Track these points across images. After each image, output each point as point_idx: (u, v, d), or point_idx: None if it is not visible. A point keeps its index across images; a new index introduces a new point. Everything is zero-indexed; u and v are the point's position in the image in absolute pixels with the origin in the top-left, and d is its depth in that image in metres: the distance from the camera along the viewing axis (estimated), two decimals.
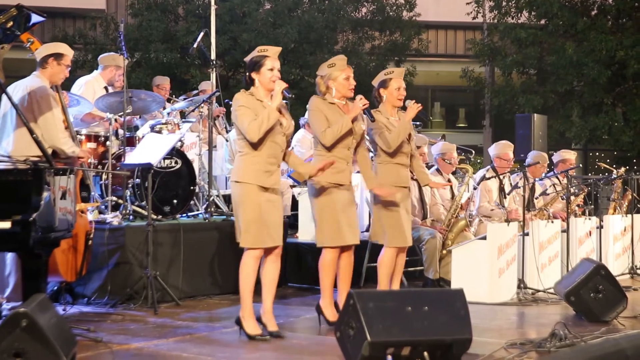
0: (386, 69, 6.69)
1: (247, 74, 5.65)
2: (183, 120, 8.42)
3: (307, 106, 6.14)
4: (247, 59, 5.69)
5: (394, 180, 6.36)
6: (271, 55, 5.60)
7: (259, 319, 5.62)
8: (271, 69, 5.56)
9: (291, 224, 8.85)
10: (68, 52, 6.48)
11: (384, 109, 6.48)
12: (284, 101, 6.00)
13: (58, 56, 6.36)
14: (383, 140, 6.33)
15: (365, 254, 8.03)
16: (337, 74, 6.00)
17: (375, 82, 6.59)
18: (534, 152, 9.99)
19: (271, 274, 5.65)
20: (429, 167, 8.76)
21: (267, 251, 5.59)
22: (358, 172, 9.01)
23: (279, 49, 5.74)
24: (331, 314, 6.03)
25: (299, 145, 9.15)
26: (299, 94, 16.61)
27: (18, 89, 6.26)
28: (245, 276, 5.53)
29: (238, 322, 5.60)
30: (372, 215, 6.57)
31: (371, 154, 6.74)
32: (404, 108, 6.47)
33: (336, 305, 6.09)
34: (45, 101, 6.19)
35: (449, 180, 8.55)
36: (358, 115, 6.03)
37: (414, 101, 6.40)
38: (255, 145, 5.46)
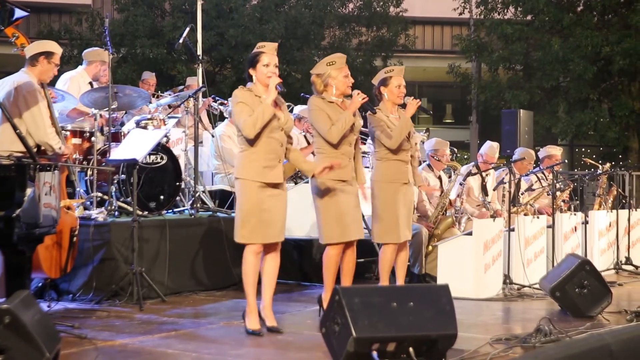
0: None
1: (247, 70, 5.66)
2: (169, 115, 8.38)
3: (307, 106, 6.15)
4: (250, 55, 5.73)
5: (394, 176, 6.44)
6: (267, 51, 5.60)
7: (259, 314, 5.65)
8: (266, 65, 5.55)
9: None
10: (58, 50, 6.48)
11: (384, 106, 6.53)
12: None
13: (49, 54, 6.35)
14: (385, 138, 6.38)
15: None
16: (336, 72, 6.02)
17: (375, 81, 6.66)
18: (521, 148, 10.02)
19: (270, 270, 5.68)
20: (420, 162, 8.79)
21: (267, 247, 5.61)
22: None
23: (276, 44, 5.74)
24: None
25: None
26: (286, 90, 16.61)
27: (5, 85, 6.24)
28: (246, 272, 5.56)
29: (244, 316, 5.65)
30: (372, 211, 6.62)
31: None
32: (403, 106, 6.51)
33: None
34: (32, 96, 6.16)
35: (439, 177, 8.58)
36: (357, 112, 6.08)
37: (412, 98, 6.47)
38: (252, 142, 5.47)
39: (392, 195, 6.43)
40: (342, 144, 5.97)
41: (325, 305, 6.06)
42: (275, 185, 5.56)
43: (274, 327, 5.63)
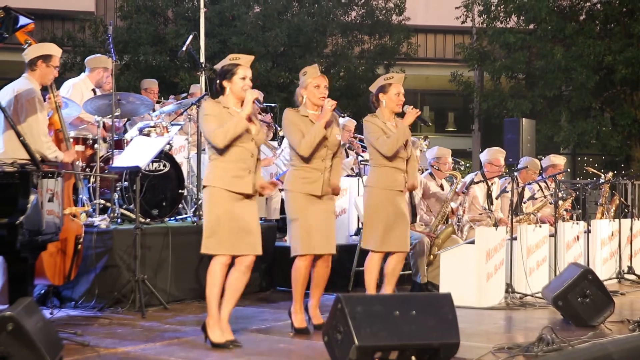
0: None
1: (218, 81, 5.57)
2: (171, 123, 8.39)
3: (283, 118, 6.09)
4: (218, 66, 5.61)
5: (389, 184, 6.39)
6: (243, 64, 5.54)
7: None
8: (243, 78, 5.49)
9: (280, 227, 8.84)
10: (56, 52, 6.40)
11: (382, 113, 6.49)
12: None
13: (46, 58, 6.30)
14: (380, 145, 6.34)
15: (354, 258, 8.03)
16: (308, 81, 5.98)
17: (373, 88, 6.62)
18: (526, 158, 10.00)
19: (235, 284, 5.46)
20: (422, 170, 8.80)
21: (238, 259, 5.46)
22: (348, 175, 9.10)
23: (252, 57, 5.66)
24: (298, 321, 5.98)
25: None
26: (288, 98, 16.60)
27: (6, 92, 6.23)
28: (211, 285, 5.41)
29: (204, 328, 5.49)
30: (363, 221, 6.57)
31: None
32: (401, 115, 6.48)
33: (306, 309, 6.09)
34: (31, 105, 6.12)
35: (441, 185, 8.57)
36: (333, 125, 6.00)
37: (412, 107, 6.43)
38: (221, 151, 5.40)
39: (383, 202, 6.37)
40: (314, 159, 5.92)
41: (292, 318, 6.02)
42: (246, 197, 5.45)
43: (232, 340, 5.41)
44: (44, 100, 6.38)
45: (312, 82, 5.97)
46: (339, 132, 6.09)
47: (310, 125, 5.91)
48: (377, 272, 6.47)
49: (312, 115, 5.98)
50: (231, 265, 5.46)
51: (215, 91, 5.62)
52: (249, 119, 5.47)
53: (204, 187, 5.49)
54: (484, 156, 9.23)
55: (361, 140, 9.42)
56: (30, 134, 6.08)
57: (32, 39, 6.37)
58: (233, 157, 5.41)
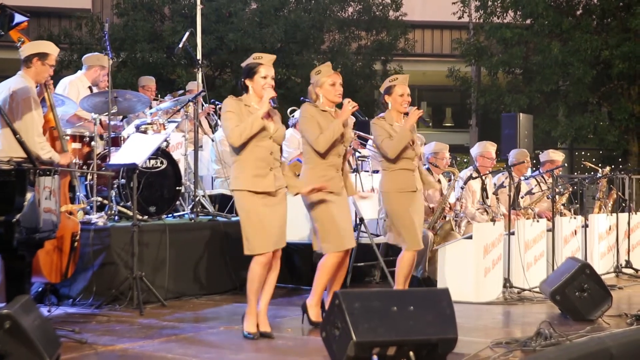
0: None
1: (242, 80, 5.67)
2: (168, 120, 8.38)
3: (299, 113, 6.15)
4: (243, 64, 5.71)
5: (400, 186, 6.47)
6: (265, 63, 5.61)
7: None
8: (264, 77, 5.57)
9: None
10: (53, 51, 6.36)
11: (389, 115, 6.54)
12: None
13: (42, 56, 6.26)
14: (385, 148, 6.41)
15: (351, 254, 8.02)
16: (323, 80, 6.02)
17: (382, 89, 6.69)
18: (515, 150, 10.01)
19: (270, 278, 5.65)
20: None
21: (274, 254, 5.62)
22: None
23: (274, 57, 5.73)
24: (315, 314, 6.05)
25: (286, 144, 9.13)
26: (285, 94, 16.60)
27: (1, 90, 6.20)
28: (251, 282, 5.54)
29: (243, 319, 5.66)
30: (387, 219, 6.69)
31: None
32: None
33: (323, 305, 6.12)
34: (26, 103, 6.08)
35: (439, 181, 8.57)
36: (348, 121, 6.07)
37: (415, 107, 6.49)
38: (238, 150, 5.49)
39: (404, 203, 6.47)
40: (330, 155, 5.97)
41: (309, 312, 6.10)
42: (269, 194, 5.53)
43: (267, 332, 5.62)
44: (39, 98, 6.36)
45: (328, 81, 6.01)
46: (352, 130, 6.19)
47: (330, 120, 5.97)
48: (409, 268, 6.64)
49: (331, 112, 6.05)
50: None
51: (240, 89, 5.71)
52: (269, 116, 5.55)
53: (232, 190, 5.64)
54: (475, 150, 9.21)
55: (359, 137, 9.42)
56: (25, 133, 6.05)
57: (25, 36, 6.34)
58: (251, 156, 5.49)
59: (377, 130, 6.50)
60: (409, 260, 6.57)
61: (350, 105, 5.96)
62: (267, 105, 5.52)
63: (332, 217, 5.93)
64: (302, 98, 6.20)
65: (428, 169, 8.59)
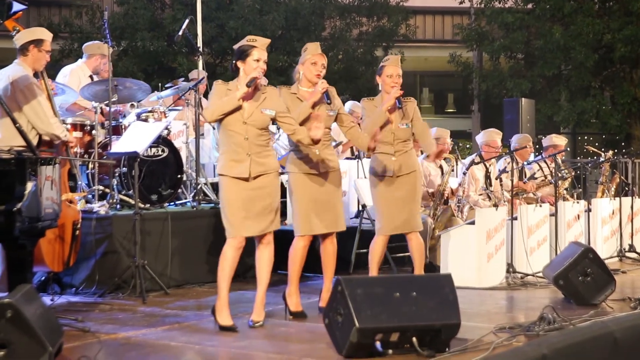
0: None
1: (234, 62, 5.61)
2: (169, 108, 8.36)
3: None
4: (236, 46, 5.64)
5: (380, 170, 6.42)
6: (259, 46, 5.53)
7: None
8: (257, 60, 5.49)
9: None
10: (47, 36, 6.37)
11: (381, 96, 6.49)
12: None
13: (38, 42, 6.27)
14: (362, 128, 6.35)
15: (354, 240, 8.02)
16: (306, 57, 5.96)
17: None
18: (518, 135, 9.99)
19: (261, 262, 5.59)
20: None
21: (257, 239, 5.55)
22: (347, 158, 9.08)
23: (268, 40, 5.66)
24: (294, 304, 5.99)
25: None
26: (286, 82, 16.54)
27: (0, 79, 6.19)
28: (222, 267, 5.47)
29: (213, 312, 5.55)
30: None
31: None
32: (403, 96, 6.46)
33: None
34: (30, 90, 6.12)
35: (440, 167, 8.55)
36: (322, 104, 5.93)
37: (396, 88, 6.37)
38: (220, 135, 5.52)
39: (383, 188, 6.41)
40: None
41: (287, 302, 6.01)
42: (248, 180, 5.43)
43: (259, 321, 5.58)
44: None
45: (310, 59, 5.94)
46: (328, 108, 5.98)
47: (297, 103, 5.90)
48: (380, 255, 6.62)
49: (304, 94, 5.96)
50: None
51: (232, 71, 5.65)
52: (249, 99, 5.45)
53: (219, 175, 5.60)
54: (480, 138, 9.21)
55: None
56: (38, 119, 6.08)
57: (21, 25, 6.33)
58: (228, 141, 5.47)
59: (362, 110, 6.49)
60: (380, 244, 6.55)
61: (321, 86, 5.84)
62: (246, 89, 5.38)
63: (303, 199, 5.88)
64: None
65: (428, 155, 8.55)
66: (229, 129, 5.45)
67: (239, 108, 5.42)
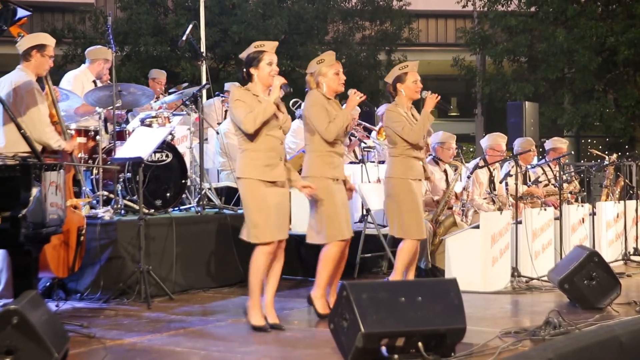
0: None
1: (245, 70, 5.63)
2: (173, 113, 8.36)
3: (306, 100, 6.09)
4: (244, 55, 5.67)
5: (408, 173, 6.48)
6: (269, 50, 5.59)
7: None
8: (270, 64, 5.56)
9: None
10: (50, 41, 6.37)
11: (401, 103, 6.57)
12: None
13: (41, 47, 6.28)
14: (407, 134, 6.42)
15: (358, 245, 8.02)
16: (326, 69, 5.99)
17: (389, 79, 6.67)
18: (521, 139, 9.99)
19: (276, 268, 5.67)
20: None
21: (279, 245, 5.63)
22: (351, 162, 9.08)
23: (276, 43, 5.73)
24: (322, 306, 6.05)
25: (293, 135, 9.11)
26: (290, 85, 16.56)
27: (3, 85, 6.20)
28: (255, 271, 5.53)
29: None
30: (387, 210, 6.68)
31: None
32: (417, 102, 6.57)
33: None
34: (31, 96, 6.12)
35: (445, 171, 8.54)
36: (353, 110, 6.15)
37: (429, 92, 6.49)
38: (251, 138, 5.47)
39: (411, 191, 6.48)
40: (337, 143, 5.97)
41: (315, 304, 6.10)
42: (277, 184, 5.55)
43: (277, 324, 5.63)
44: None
45: (332, 70, 5.99)
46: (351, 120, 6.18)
47: (337, 107, 5.98)
48: (411, 257, 6.61)
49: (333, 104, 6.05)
50: None
51: (242, 79, 5.67)
52: (277, 106, 5.55)
53: (239, 178, 5.57)
54: (485, 142, 9.22)
55: (365, 128, 9.39)
56: (32, 126, 6.07)
57: (25, 32, 6.34)
58: (263, 146, 5.49)
59: (395, 117, 6.49)
60: (414, 248, 6.57)
61: (357, 95, 5.98)
62: (279, 91, 5.51)
63: (336, 206, 5.93)
64: (306, 89, 6.17)
65: (434, 159, 8.55)
66: (268, 134, 5.49)
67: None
